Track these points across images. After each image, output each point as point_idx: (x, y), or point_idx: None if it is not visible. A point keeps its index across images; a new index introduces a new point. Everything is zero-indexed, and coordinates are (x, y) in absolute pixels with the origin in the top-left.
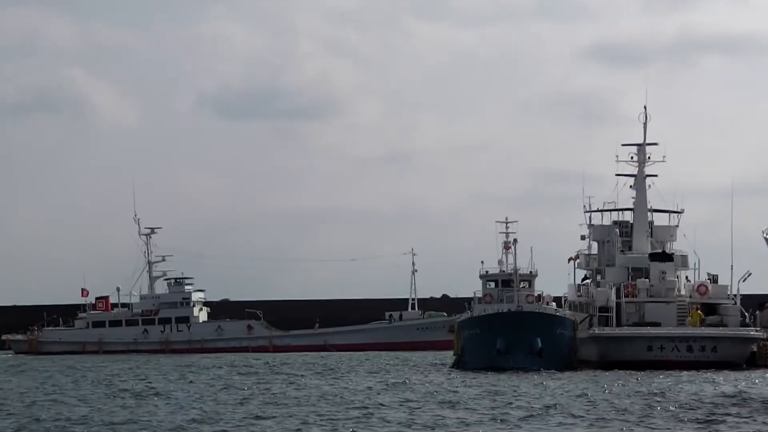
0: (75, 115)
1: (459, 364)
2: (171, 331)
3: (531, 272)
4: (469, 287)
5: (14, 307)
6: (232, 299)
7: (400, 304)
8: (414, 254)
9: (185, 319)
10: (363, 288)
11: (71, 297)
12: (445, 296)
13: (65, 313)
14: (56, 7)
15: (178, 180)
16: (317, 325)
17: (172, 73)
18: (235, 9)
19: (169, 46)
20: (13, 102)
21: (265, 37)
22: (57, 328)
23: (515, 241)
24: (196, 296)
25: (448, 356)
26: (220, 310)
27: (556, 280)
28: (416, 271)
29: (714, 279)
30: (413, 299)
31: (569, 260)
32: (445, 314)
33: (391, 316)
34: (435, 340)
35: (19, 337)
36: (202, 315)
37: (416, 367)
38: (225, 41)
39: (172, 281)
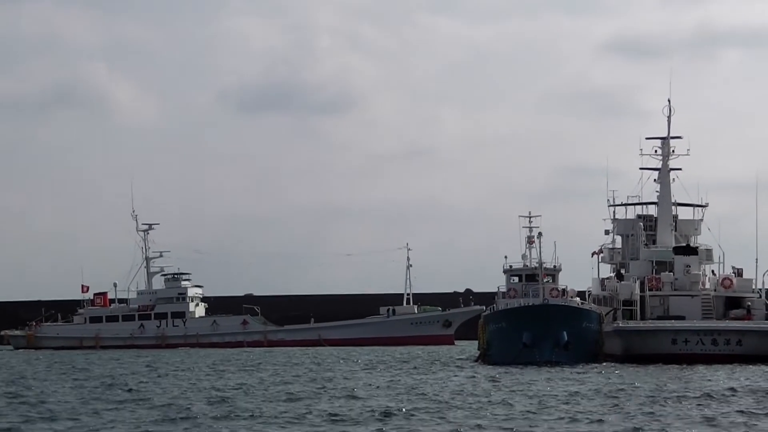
0: (95, 111)
1: (484, 358)
2: (167, 326)
3: (555, 266)
4: (492, 282)
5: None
6: (256, 294)
7: (418, 298)
8: (409, 249)
9: (181, 314)
10: (382, 283)
11: (72, 293)
12: (468, 291)
13: (66, 309)
14: (76, 3)
15: (191, 176)
16: (312, 319)
17: (191, 69)
18: (254, 5)
19: (189, 42)
20: (34, 98)
21: (284, 32)
22: (55, 323)
23: (540, 234)
24: (192, 291)
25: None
26: (243, 304)
27: (578, 274)
28: (411, 266)
29: (739, 272)
30: (408, 294)
31: (593, 254)
32: (440, 308)
33: (388, 310)
34: (430, 334)
35: (17, 332)
36: (199, 310)
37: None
38: (244, 37)
39: (169, 277)
